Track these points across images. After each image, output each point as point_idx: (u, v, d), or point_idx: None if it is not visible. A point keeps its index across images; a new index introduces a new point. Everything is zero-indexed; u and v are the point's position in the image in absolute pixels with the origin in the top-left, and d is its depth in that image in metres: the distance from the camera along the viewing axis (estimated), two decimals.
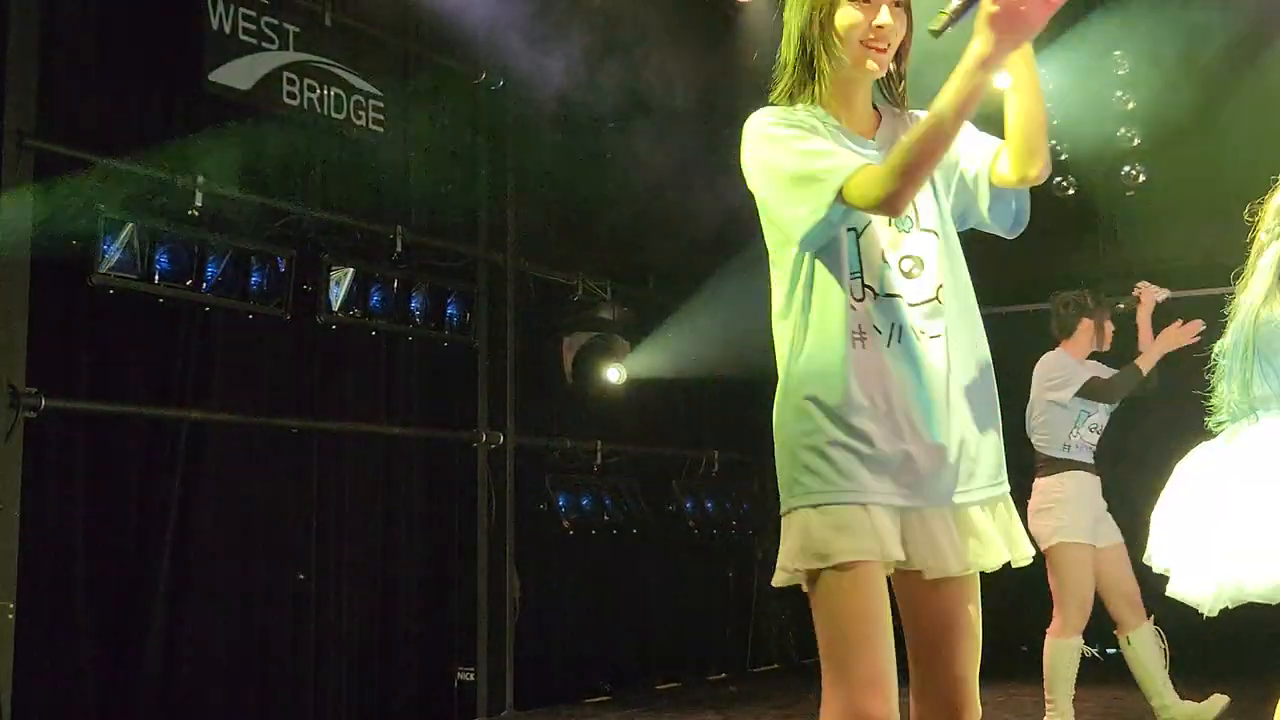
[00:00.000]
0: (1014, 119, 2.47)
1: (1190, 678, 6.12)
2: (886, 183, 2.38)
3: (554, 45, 7.22)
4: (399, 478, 7.32)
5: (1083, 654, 5.75)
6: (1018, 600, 6.94)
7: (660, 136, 7.63)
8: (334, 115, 6.77)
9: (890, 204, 2.40)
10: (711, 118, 7.75)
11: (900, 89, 2.67)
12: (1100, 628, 5.94)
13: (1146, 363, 5.91)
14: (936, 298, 2.56)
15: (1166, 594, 3.49)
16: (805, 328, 2.54)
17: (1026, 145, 2.47)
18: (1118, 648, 5.92)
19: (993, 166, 2.54)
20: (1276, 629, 4.35)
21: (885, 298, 2.52)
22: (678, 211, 7.99)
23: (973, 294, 2.64)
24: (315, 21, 6.70)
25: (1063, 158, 9.01)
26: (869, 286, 2.52)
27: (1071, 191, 9.08)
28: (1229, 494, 3.38)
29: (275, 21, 6.45)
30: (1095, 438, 5.94)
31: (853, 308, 2.51)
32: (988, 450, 2.60)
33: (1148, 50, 8.42)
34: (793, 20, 2.62)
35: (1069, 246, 9.26)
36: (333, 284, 6.75)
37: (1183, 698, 5.76)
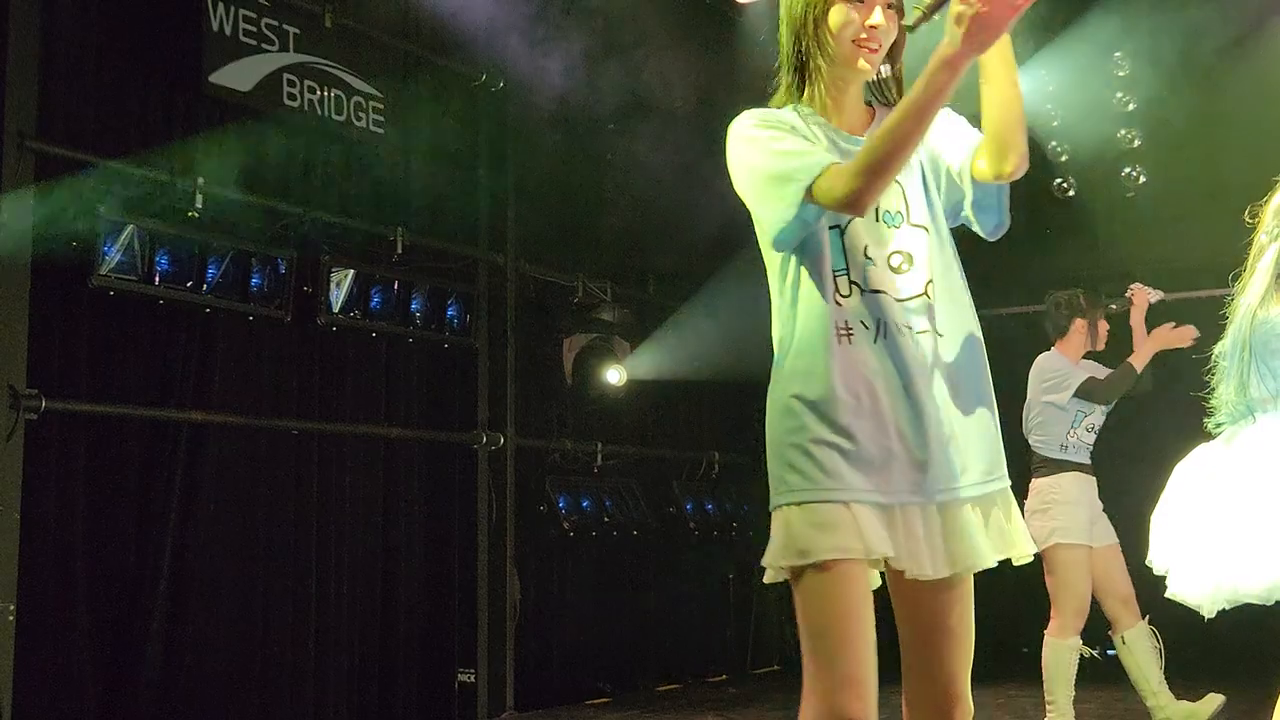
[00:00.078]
0: (987, 113, 2.46)
1: (1189, 679, 6.13)
2: (850, 181, 2.40)
3: (554, 47, 7.22)
4: (399, 479, 7.32)
5: (1083, 654, 5.75)
6: (1018, 602, 6.95)
7: (660, 138, 7.62)
8: (334, 117, 6.77)
9: (854, 203, 2.42)
10: (712, 119, 7.72)
11: (895, 90, 2.68)
12: (1101, 628, 5.94)
13: (1140, 360, 5.93)
14: (925, 293, 2.56)
15: (1166, 595, 3.49)
16: (793, 325, 2.56)
17: (999, 140, 2.46)
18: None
19: (974, 162, 2.54)
20: (1276, 630, 4.35)
21: (870, 293, 2.52)
22: (678, 213, 7.98)
23: (966, 290, 2.64)
24: (315, 23, 6.70)
25: (1063, 159, 9.02)
26: (855, 283, 2.53)
27: (1071, 193, 9.08)
28: (1225, 495, 3.38)
29: (275, 23, 6.45)
30: (1092, 438, 5.94)
31: (838, 304, 2.52)
32: (981, 446, 2.58)
33: (1148, 51, 8.42)
34: (787, 19, 2.64)
35: (1069, 247, 9.26)
36: (333, 286, 6.75)
37: (1181, 697, 5.77)
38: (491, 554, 7.69)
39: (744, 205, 2.62)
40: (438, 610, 7.44)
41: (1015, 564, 2.63)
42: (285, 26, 6.51)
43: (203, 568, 6.11)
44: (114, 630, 5.74)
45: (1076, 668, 5.73)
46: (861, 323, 2.51)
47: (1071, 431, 5.87)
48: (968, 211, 2.62)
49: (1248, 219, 3.69)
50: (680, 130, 7.75)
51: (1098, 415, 5.94)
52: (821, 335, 2.51)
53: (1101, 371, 6.02)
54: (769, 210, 2.52)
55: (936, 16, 2.38)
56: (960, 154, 2.56)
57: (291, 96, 6.52)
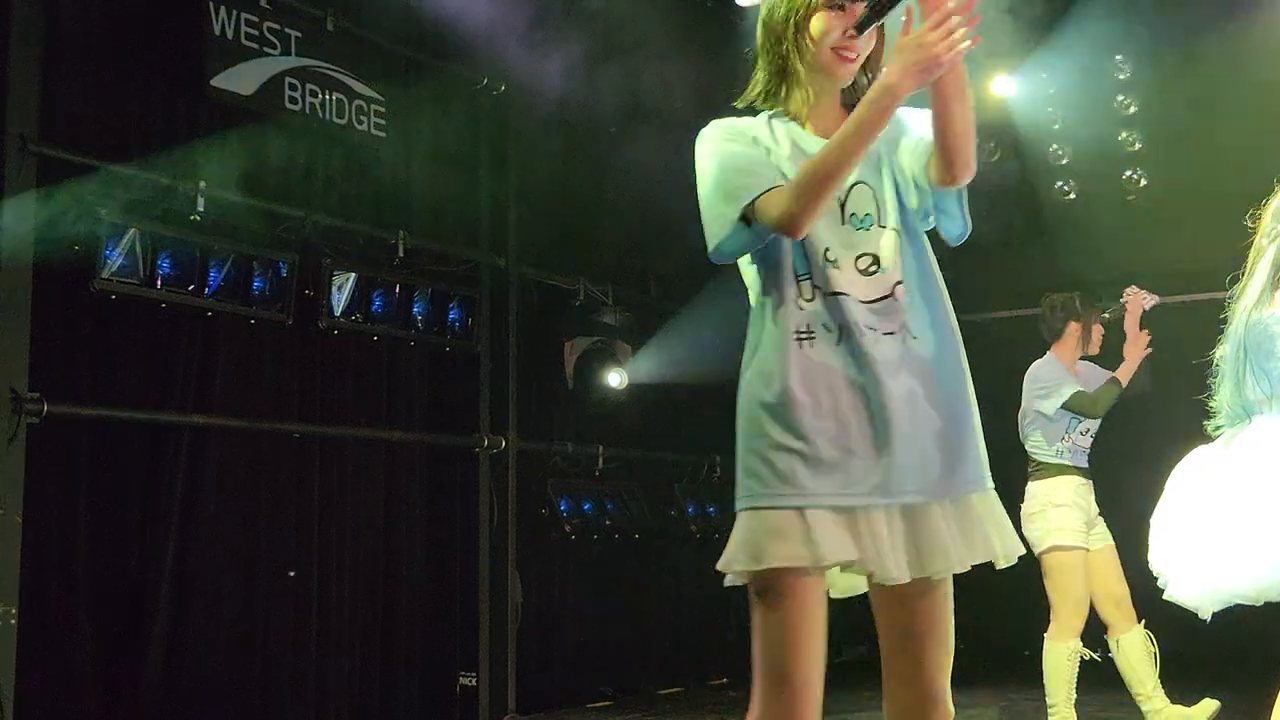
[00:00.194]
0: (934, 121, 2.45)
1: (1188, 681, 6.13)
2: (786, 203, 2.43)
3: (555, 51, 7.23)
4: (401, 483, 7.32)
5: (1084, 657, 5.75)
6: (1018, 606, 6.95)
7: (662, 141, 7.62)
8: (336, 120, 6.78)
9: (789, 224, 2.44)
10: None
11: None
12: (1101, 631, 5.95)
13: (1125, 374, 5.95)
14: (893, 295, 2.55)
15: (1164, 597, 3.50)
16: (760, 331, 2.58)
17: (945, 148, 2.45)
18: None
19: (926, 167, 2.54)
20: (1273, 633, 4.35)
21: (832, 296, 2.52)
22: (679, 216, 7.94)
23: (943, 292, 2.63)
24: (317, 27, 6.71)
25: (1063, 162, 9.03)
26: (817, 286, 2.53)
27: (1072, 196, 9.09)
28: (1221, 497, 3.39)
29: (277, 27, 6.46)
30: (1088, 441, 5.95)
31: (799, 307, 2.53)
32: (957, 450, 2.55)
33: (1149, 53, 8.43)
34: (767, 23, 2.66)
35: (1070, 250, 9.26)
36: (335, 289, 6.76)
37: (1177, 701, 5.77)
38: (493, 557, 7.69)
39: None
40: (439, 613, 7.44)
41: (1000, 568, 2.61)
42: (287, 30, 6.51)
43: (204, 571, 6.11)
44: (115, 633, 5.74)
45: (1077, 670, 5.73)
46: (824, 325, 2.52)
47: (1066, 436, 5.88)
48: (932, 216, 2.63)
49: (1249, 223, 3.69)
50: (681, 133, 7.70)
51: (1092, 420, 5.95)
52: (782, 339, 2.52)
53: (1099, 374, 6.04)
54: (709, 223, 2.56)
55: (883, 21, 2.44)
56: (920, 159, 2.56)
57: (293, 100, 6.53)
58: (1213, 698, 5.77)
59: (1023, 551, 2.64)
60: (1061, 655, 5.70)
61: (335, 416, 6.90)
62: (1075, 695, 5.74)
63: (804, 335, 2.51)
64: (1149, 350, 6.05)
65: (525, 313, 8.11)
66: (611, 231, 8.57)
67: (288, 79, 6.51)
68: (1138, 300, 6.16)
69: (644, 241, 8.54)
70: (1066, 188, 9.08)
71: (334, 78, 6.77)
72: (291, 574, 6.52)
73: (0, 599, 5.19)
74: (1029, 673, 6.13)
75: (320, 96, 6.68)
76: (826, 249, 2.54)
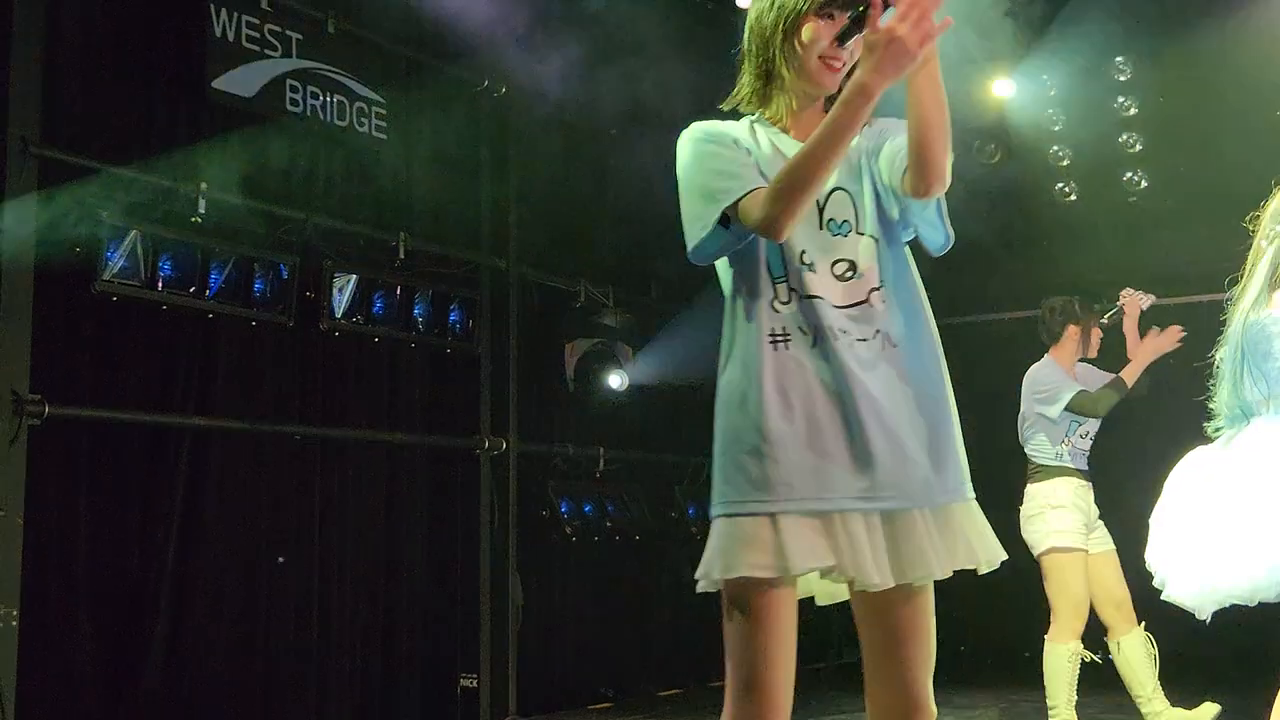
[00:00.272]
0: (909, 132, 2.42)
1: (1187, 684, 6.13)
2: (765, 207, 2.42)
3: (556, 53, 7.23)
4: (402, 484, 7.32)
5: (1084, 659, 5.76)
6: (1019, 608, 6.95)
7: (663, 143, 7.62)
8: (337, 122, 6.78)
9: (770, 227, 2.43)
10: None
11: None
12: (1101, 633, 5.95)
13: (1130, 375, 5.94)
14: (868, 300, 2.55)
15: (1163, 598, 3.50)
16: (735, 332, 2.57)
17: (919, 159, 2.42)
18: None
19: (902, 178, 2.52)
20: (1274, 632, 4.35)
21: (808, 299, 2.52)
22: (680, 219, 7.98)
23: (923, 299, 2.63)
24: (318, 29, 6.72)
25: (1064, 164, 9.03)
26: (793, 289, 2.53)
27: (1073, 197, 9.09)
28: (1218, 498, 3.40)
29: (278, 29, 6.47)
30: (1088, 444, 5.95)
31: (775, 310, 2.52)
32: (935, 457, 2.53)
33: (1150, 55, 8.43)
34: (756, 28, 2.66)
35: (1070, 252, 9.27)
36: (336, 291, 6.76)
37: (1177, 704, 5.78)
38: (494, 558, 7.69)
39: None
40: (440, 615, 7.44)
41: (981, 573, 2.61)
42: (288, 32, 6.52)
43: (205, 572, 6.12)
44: (116, 634, 5.74)
45: (1077, 672, 5.73)
46: (799, 328, 2.51)
47: (1066, 439, 5.88)
48: (914, 226, 2.62)
49: (1249, 227, 3.70)
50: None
51: (1092, 423, 5.95)
52: (758, 341, 2.51)
53: (1097, 376, 6.03)
54: (690, 223, 2.57)
55: (863, 33, 2.38)
56: (897, 170, 2.55)
57: (294, 102, 6.54)
58: (1213, 700, 5.78)
59: (1004, 557, 2.61)
60: (1062, 657, 5.71)
61: (336, 418, 6.90)
62: (1076, 697, 5.74)
63: (779, 338, 2.51)
64: (1176, 344, 5.95)
65: (526, 314, 8.11)
66: (612, 233, 8.58)
67: (289, 81, 6.52)
68: (1134, 302, 6.17)
69: (644, 243, 8.54)
70: (1067, 189, 9.08)
71: (335, 80, 6.78)
72: (281, 560, 6.50)
73: (1, 600, 5.20)
74: (1029, 674, 6.13)
75: (321, 99, 6.69)
76: (803, 252, 2.53)
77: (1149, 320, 6.21)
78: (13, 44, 5.45)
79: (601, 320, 8.57)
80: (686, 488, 9.23)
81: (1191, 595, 3.39)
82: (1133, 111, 8.73)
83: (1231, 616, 3.45)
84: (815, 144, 2.38)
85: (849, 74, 2.57)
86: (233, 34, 6.22)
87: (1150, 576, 3.57)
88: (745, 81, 2.69)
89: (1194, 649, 5.87)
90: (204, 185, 6.05)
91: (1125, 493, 5.60)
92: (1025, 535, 5.86)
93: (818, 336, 2.50)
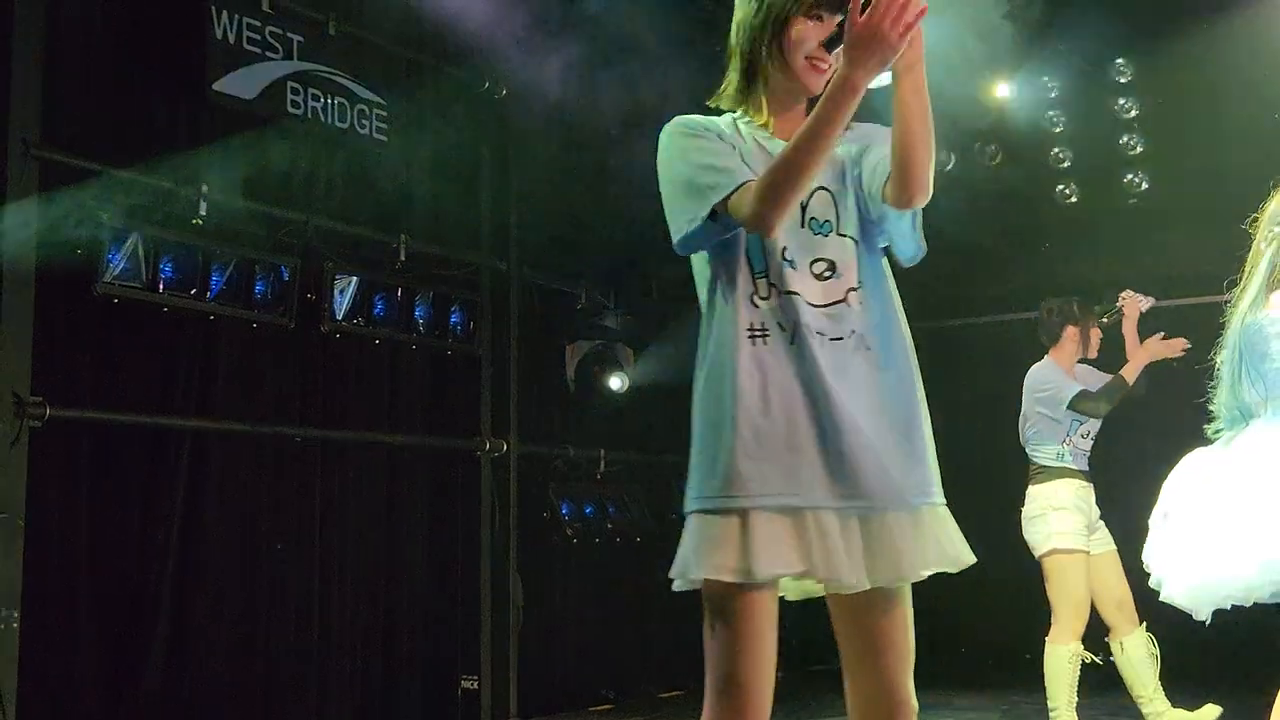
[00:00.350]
0: (893, 143, 2.44)
1: (1188, 686, 6.13)
2: (755, 202, 2.42)
3: (556, 55, 7.24)
4: (402, 486, 7.33)
5: (1085, 660, 5.76)
6: (1019, 609, 6.95)
7: None
8: (338, 124, 6.78)
9: (760, 222, 2.44)
10: None
11: None
12: (1102, 634, 5.95)
13: (1130, 373, 5.96)
14: (846, 300, 2.56)
15: (1160, 599, 3.51)
16: (714, 327, 2.57)
17: (901, 170, 2.44)
18: None
19: (883, 187, 2.53)
20: (1275, 634, 4.35)
21: (787, 295, 2.52)
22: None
23: (898, 304, 2.64)
24: (319, 31, 6.71)
25: (1064, 165, 9.03)
26: (773, 284, 2.53)
27: (1073, 199, 9.09)
28: (1215, 499, 3.41)
29: (279, 31, 6.47)
30: (1089, 445, 5.96)
31: (755, 305, 2.53)
32: (908, 462, 2.54)
33: (1150, 57, 8.43)
34: (744, 26, 2.65)
35: (1071, 254, 9.27)
36: (336, 293, 6.77)
37: (1178, 705, 5.78)
38: (494, 560, 7.70)
39: None
40: (440, 616, 7.45)
41: (952, 573, 2.61)
42: (289, 34, 6.52)
43: (206, 575, 6.12)
44: (117, 637, 5.74)
45: (1078, 673, 5.73)
46: (778, 324, 2.51)
47: (1067, 439, 5.89)
48: (888, 234, 2.63)
49: (1247, 228, 3.70)
50: None
51: (1093, 423, 5.96)
52: (735, 336, 2.51)
53: (1097, 377, 6.04)
54: (675, 216, 2.55)
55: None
56: (878, 178, 2.56)
57: (295, 104, 6.54)
58: (1214, 701, 5.78)
59: (973, 560, 2.59)
60: (1062, 658, 5.71)
61: (337, 420, 6.90)
62: (1076, 698, 5.75)
63: (758, 333, 2.51)
64: (1179, 353, 5.98)
65: (527, 316, 8.11)
66: (613, 235, 8.58)
67: (289, 83, 6.52)
68: (1134, 304, 6.18)
69: (645, 245, 8.50)
70: (1068, 191, 9.08)
71: (336, 82, 6.78)
72: (280, 546, 6.50)
73: (2, 602, 5.20)
74: (1030, 676, 6.13)
75: (322, 100, 6.69)
76: (785, 248, 2.54)
77: (1149, 322, 6.22)
78: (13, 45, 5.45)
79: (602, 322, 8.58)
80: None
81: (1186, 595, 3.41)
82: (1133, 113, 8.73)
83: (1232, 617, 3.45)
84: (803, 139, 2.39)
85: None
86: (233, 36, 6.23)
87: (1149, 577, 3.58)
88: (730, 79, 2.69)
89: (1195, 650, 5.86)
90: (205, 187, 6.05)
91: (1126, 494, 5.61)
92: (1027, 536, 5.87)
93: (795, 334, 2.50)
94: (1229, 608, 3.41)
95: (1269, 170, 3.97)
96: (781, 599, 2.55)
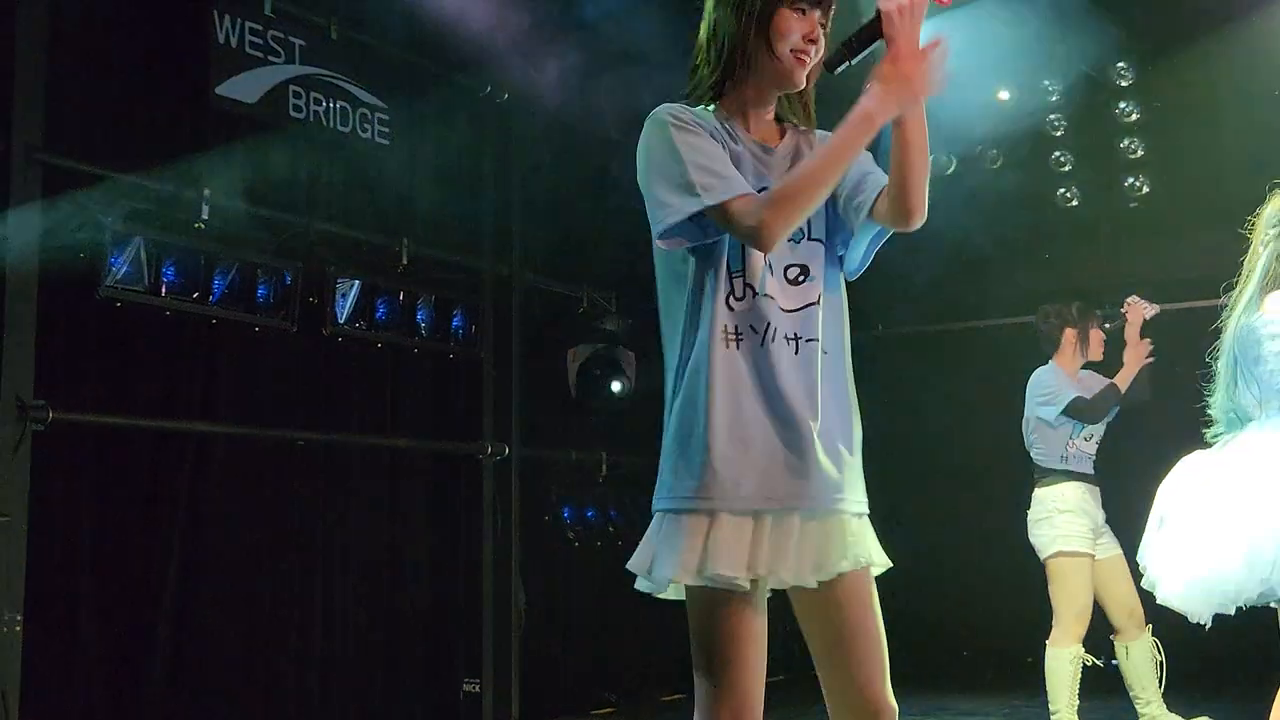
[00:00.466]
0: (897, 170, 2.47)
1: (1190, 685, 6.13)
2: (762, 217, 2.43)
3: (559, 59, 7.24)
4: (404, 489, 7.33)
5: (1087, 664, 5.76)
6: (1021, 611, 6.95)
7: None
8: (340, 128, 6.79)
9: (763, 238, 2.44)
10: None
11: (803, 111, 2.71)
12: (1104, 638, 5.95)
13: (1124, 379, 5.98)
14: (814, 304, 2.58)
15: (1158, 602, 3.52)
16: (684, 327, 2.57)
17: (905, 197, 2.48)
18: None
19: (876, 203, 2.56)
20: (1272, 638, 4.37)
21: (764, 298, 2.54)
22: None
23: (846, 314, 2.67)
24: (321, 35, 6.73)
25: (1066, 169, 9.03)
26: (749, 285, 2.54)
27: (1075, 203, 9.09)
28: (1206, 502, 3.42)
29: (281, 35, 6.48)
30: (1093, 448, 5.97)
31: (731, 307, 2.53)
32: (853, 469, 2.60)
33: (1151, 61, 8.44)
34: (725, 19, 2.62)
35: (1072, 258, 9.27)
36: (339, 296, 6.78)
37: (1176, 709, 5.79)
38: (496, 564, 7.70)
39: None
40: (442, 620, 7.45)
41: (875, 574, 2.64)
42: (291, 39, 6.53)
43: (209, 578, 6.13)
44: (120, 641, 5.75)
45: (1080, 676, 5.73)
46: (751, 327, 2.52)
47: (1071, 443, 5.90)
48: (852, 245, 2.65)
49: (1244, 231, 3.71)
50: None
51: (1097, 426, 5.97)
52: (710, 337, 2.52)
53: (1101, 383, 6.05)
54: (661, 206, 2.52)
55: (854, 61, 2.48)
56: (864, 191, 2.57)
57: (297, 108, 6.55)
58: (1215, 701, 5.79)
59: (890, 565, 2.66)
60: (1064, 661, 5.71)
61: (339, 423, 6.91)
62: (1078, 701, 5.75)
63: (731, 336, 2.52)
64: (1150, 359, 6.08)
65: (528, 320, 8.12)
66: (614, 239, 8.58)
67: (291, 87, 6.53)
68: (1138, 310, 6.18)
69: (647, 249, 8.52)
70: (1069, 195, 9.08)
71: (338, 86, 6.79)
72: (281, 550, 6.51)
73: (6, 605, 5.20)
74: (1032, 679, 6.13)
75: (324, 104, 6.70)
76: (758, 253, 2.55)
77: (1151, 327, 6.22)
78: (16, 50, 5.46)
79: (604, 325, 8.58)
80: None
81: (1181, 597, 3.42)
82: (1134, 117, 8.73)
83: (1233, 619, 3.45)
84: (817, 165, 2.43)
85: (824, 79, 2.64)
86: (235, 40, 6.24)
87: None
88: (702, 74, 2.67)
89: (1198, 651, 5.86)
90: (207, 191, 6.06)
91: (1130, 498, 5.61)
92: (1032, 539, 5.88)
93: (766, 337, 2.52)
94: (1232, 612, 3.42)
95: (1269, 172, 3.98)
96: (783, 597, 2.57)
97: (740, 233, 2.46)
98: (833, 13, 2.61)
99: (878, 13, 2.43)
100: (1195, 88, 8.18)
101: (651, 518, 2.63)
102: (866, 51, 2.48)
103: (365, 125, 6.94)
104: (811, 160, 2.45)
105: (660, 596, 2.60)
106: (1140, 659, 5.78)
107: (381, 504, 7.17)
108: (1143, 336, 6.15)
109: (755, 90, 2.62)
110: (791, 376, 2.51)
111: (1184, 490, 3.55)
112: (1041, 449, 5.96)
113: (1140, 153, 8.81)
